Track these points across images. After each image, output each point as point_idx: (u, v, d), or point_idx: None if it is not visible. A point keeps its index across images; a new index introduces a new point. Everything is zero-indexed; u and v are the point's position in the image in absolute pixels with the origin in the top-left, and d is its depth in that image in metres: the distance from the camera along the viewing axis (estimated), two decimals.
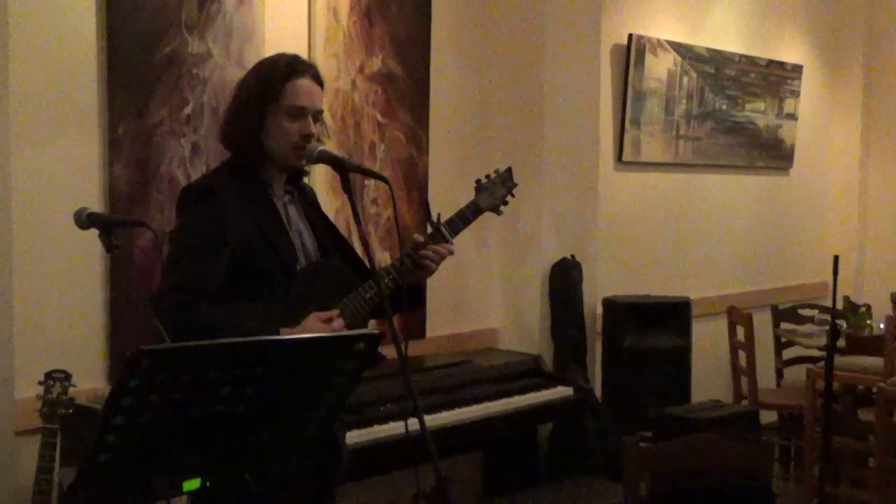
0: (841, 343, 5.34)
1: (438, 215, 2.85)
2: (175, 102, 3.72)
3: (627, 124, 5.71)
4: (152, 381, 1.87)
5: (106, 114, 3.54)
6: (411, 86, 4.58)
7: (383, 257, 4.32)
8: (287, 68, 2.68)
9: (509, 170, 3.07)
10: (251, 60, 3.81)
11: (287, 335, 2.43)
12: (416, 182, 4.60)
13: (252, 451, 2.13)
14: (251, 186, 2.70)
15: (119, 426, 1.90)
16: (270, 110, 2.66)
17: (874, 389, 5.08)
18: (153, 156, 3.66)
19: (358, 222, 2.57)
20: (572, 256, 5.03)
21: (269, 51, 3.72)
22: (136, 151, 3.61)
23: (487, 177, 3.02)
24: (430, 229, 2.83)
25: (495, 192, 3.00)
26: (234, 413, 2.04)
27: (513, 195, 3.05)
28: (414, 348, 4.48)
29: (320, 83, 2.74)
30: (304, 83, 2.68)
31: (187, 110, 3.75)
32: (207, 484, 2.23)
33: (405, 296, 2.74)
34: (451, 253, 2.83)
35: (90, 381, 3.48)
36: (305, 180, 2.88)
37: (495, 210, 3.01)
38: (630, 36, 5.64)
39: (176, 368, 1.89)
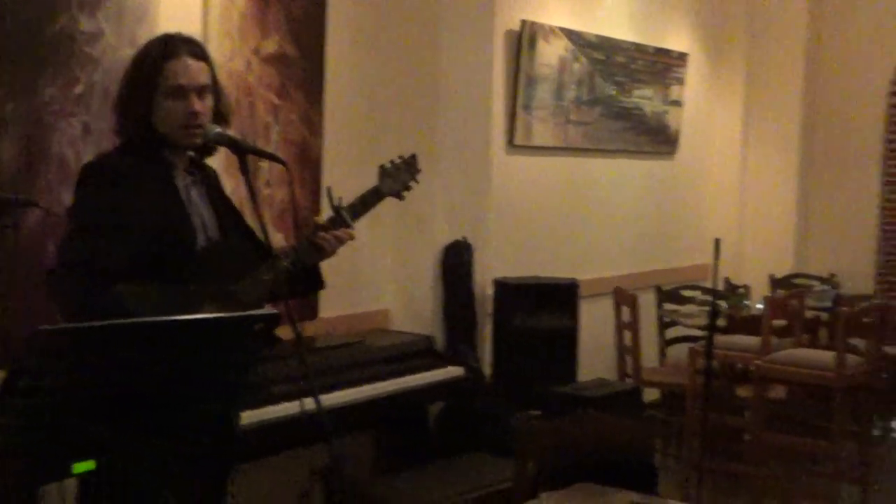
0: (721, 322, 5.55)
1: (340, 199, 2.88)
2: (65, 81, 3.67)
3: (519, 109, 5.81)
4: (51, 361, 1.89)
5: None
6: (306, 68, 4.59)
7: (277, 239, 4.33)
8: (160, 50, 2.68)
9: (414, 156, 3.09)
10: (144, 40, 3.80)
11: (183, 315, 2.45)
12: (309, 164, 4.62)
13: (152, 430, 2.16)
14: (152, 166, 2.70)
15: (15, 405, 1.91)
16: (154, 94, 2.67)
17: (751, 367, 5.31)
18: (42, 135, 3.61)
19: (255, 204, 2.60)
20: (464, 238, 5.11)
21: (163, 30, 3.69)
22: (25, 130, 3.56)
23: (392, 162, 3.05)
24: (331, 213, 2.86)
25: (398, 177, 3.02)
26: (134, 391, 2.06)
27: (416, 181, 3.08)
28: (306, 329, 4.51)
29: (202, 58, 2.72)
30: (182, 62, 2.67)
31: (78, 89, 3.71)
32: (100, 465, 2.25)
33: (303, 278, 2.79)
34: (351, 238, 2.87)
35: None
36: (209, 161, 2.88)
37: (397, 195, 3.03)
38: (523, 22, 5.74)
39: (76, 348, 1.91)
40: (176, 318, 2.16)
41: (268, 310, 2.34)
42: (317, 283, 2.97)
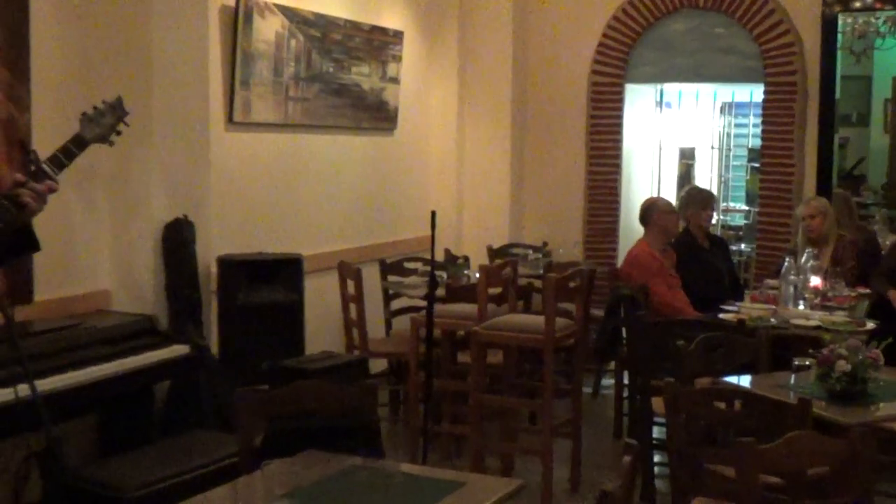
0: (441, 293, 5.76)
1: (34, 152, 2.77)
2: None
3: (237, 85, 5.79)
4: None
5: None
6: (9, 40, 4.39)
7: None
8: None
9: (119, 99, 3.00)
10: None
11: None
12: (17, 141, 4.43)
13: None
14: None
15: None
16: None
17: (470, 334, 5.53)
18: None
19: None
20: (185, 216, 5.06)
21: None
22: None
23: (94, 107, 2.95)
24: (31, 168, 2.76)
25: (102, 121, 2.93)
26: None
27: (126, 124, 2.99)
28: (21, 313, 4.35)
29: None
30: None
31: None
32: None
33: (13, 241, 2.69)
34: (52, 190, 2.76)
35: None
36: None
37: (104, 140, 2.93)
38: None
39: None
40: None
41: None
42: (30, 244, 2.86)
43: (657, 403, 4.66)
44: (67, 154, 2.83)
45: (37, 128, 4.53)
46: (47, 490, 2.32)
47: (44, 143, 4.52)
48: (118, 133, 2.97)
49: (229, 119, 5.80)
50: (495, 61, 7.96)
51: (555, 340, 5.03)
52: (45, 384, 3.73)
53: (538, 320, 5.18)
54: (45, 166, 2.76)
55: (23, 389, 2.53)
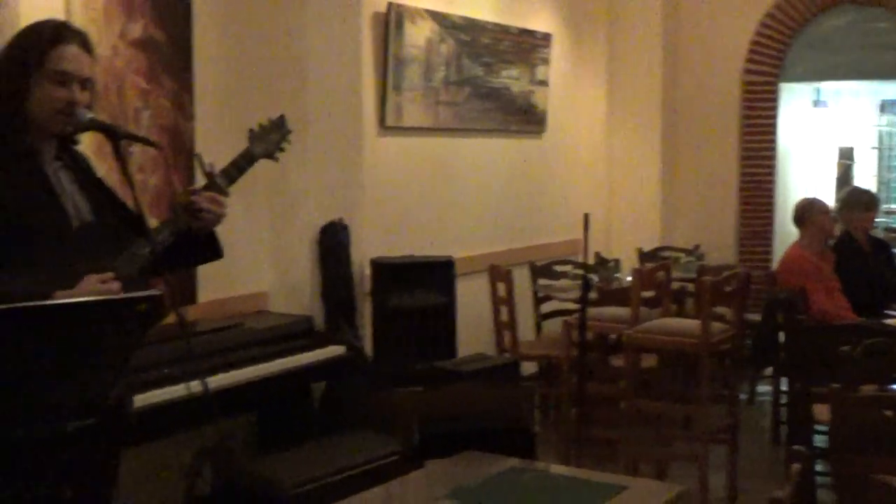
0: (593, 295, 5.71)
1: (211, 164, 2.87)
2: None
3: (389, 90, 5.86)
4: None
5: None
6: (174, 52, 4.55)
7: (152, 223, 4.29)
8: (53, 33, 2.65)
9: (282, 117, 3.09)
10: (5, 24, 3.73)
11: (62, 298, 2.43)
12: (182, 149, 4.59)
13: (36, 411, 2.15)
14: (16, 152, 2.66)
15: None
16: (35, 75, 2.63)
17: (622, 337, 5.48)
18: None
19: (131, 186, 2.59)
20: (340, 219, 5.14)
21: (26, 15, 3.62)
22: None
23: (260, 125, 3.05)
24: (204, 181, 2.85)
25: (268, 138, 3.02)
26: (16, 373, 2.05)
27: (288, 142, 3.09)
28: (185, 313, 4.49)
29: (89, 51, 2.71)
30: (71, 50, 2.65)
31: None
32: None
33: (192, 248, 2.78)
34: (222, 202, 2.85)
35: None
36: (79, 148, 2.85)
37: (270, 156, 3.03)
38: (389, 4, 5.78)
39: None
40: (59, 302, 2.14)
41: (150, 291, 2.33)
42: (213, 251, 2.96)
43: (818, 410, 4.52)
44: (238, 168, 2.92)
45: (199, 135, 4.68)
46: (216, 486, 2.37)
47: (206, 151, 4.67)
48: (282, 150, 3.06)
49: (381, 124, 5.87)
50: (645, 62, 7.87)
51: (710, 345, 4.93)
52: (210, 382, 3.83)
53: (693, 324, 5.09)
54: (217, 180, 2.85)
55: (194, 386, 2.60)
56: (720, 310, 5.53)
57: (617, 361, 5.89)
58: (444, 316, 5.47)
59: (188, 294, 4.59)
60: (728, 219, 7.89)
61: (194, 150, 4.64)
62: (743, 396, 6.53)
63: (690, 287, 6.44)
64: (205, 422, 2.50)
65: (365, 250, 5.40)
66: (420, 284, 5.44)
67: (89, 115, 2.67)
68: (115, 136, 2.63)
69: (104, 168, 4.02)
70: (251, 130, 3.01)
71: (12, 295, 2.41)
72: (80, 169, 2.81)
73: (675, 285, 6.35)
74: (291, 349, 4.51)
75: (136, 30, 4.38)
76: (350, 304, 5.16)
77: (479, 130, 6.73)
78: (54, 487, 2.16)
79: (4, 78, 2.63)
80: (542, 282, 6.61)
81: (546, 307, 6.66)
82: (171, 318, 2.55)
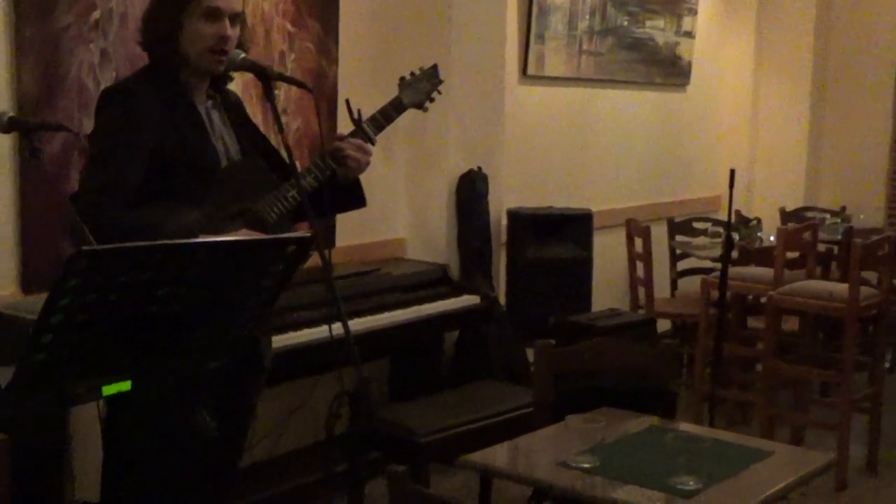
0: (734, 254, 5.56)
1: (359, 111, 2.86)
2: (83, 6, 3.64)
3: (532, 39, 5.77)
4: (90, 282, 1.90)
5: (12, 15, 3.46)
6: None
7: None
8: None
9: (435, 66, 3.06)
10: None
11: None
12: (325, 93, 4.60)
13: (180, 351, 2.18)
14: (171, 90, 2.70)
15: (56, 325, 1.93)
16: (187, 12, 2.66)
17: (763, 299, 5.33)
18: (61, 61, 3.60)
19: (280, 129, 2.60)
20: (479, 168, 5.11)
21: None
22: (44, 56, 3.54)
23: (412, 73, 3.03)
24: (350, 127, 2.85)
25: (419, 87, 3.00)
26: (165, 313, 2.08)
27: (439, 92, 3.06)
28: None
29: None
30: None
31: (95, 15, 3.68)
32: (133, 386, 2.28)
33: (335, 195, 2.79)
34: (369, 150, 2.85)
35: (3, 287, 3.46)
36: (231, 86, 2.88)
37: (419, 106, 3.02)
38: None
39: (113, 269, 1.92)
40: (211, 241, 2.16)
41: (301, 232, 2.35)
42: (357, 199, 2.97)
43: None
44: (387, 117, 2.91)
45: (342, 78, 4.69)
46: (354, 429, 2.38)
47: (349, 96, 4.67)
48: (432, 100, 3.03)
49: (523, 72, 5.79)
50: (796, 14, 7.57)
51: (858, 310, 4.75)
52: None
53: (840, 288, 4.91)
54: (365, 127, 2.84)
55: (334, 329, 2.61)
56: (866, 274, 5.33)
57: (755, 323, 5.74)
58: (581, 269, 5.41)
59: (327, 237, 4.62)
60: (877, 180, 7.58)
61: (337, 94, 4.66)
62: (887, 365, 6.30)
63: (835, 250, 6.22)
64: (342, 365, 2.50)
65: (502, 200, 5.36)
66: (557, 236, 5.39)
67: (242, 54, 2.69)
68: (267, 77, 2.64)
69: (249, 109, 4.08)
70: (402, 78, 2.99)
71: (163, 231, 2.46)
72: (232, 108, 2.84)
73: (820, 247, 6.14)
74: (426, 297, 4.51)
75: None
76: (486, 254, 5.13)
77: (622, 82, 6.59)
78: (201, 420, 2.20)
79: (160, 16, 2.66)
80: (679, 238, 6.47)
81: (682, 265, 6.52)
82: (309, 262, 2.55)
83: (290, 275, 2.24)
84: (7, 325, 3.14)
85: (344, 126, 4.58)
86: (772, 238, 5.76)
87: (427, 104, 3.04)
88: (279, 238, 2.30)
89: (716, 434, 2.93)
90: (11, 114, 2.43)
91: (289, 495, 4.06)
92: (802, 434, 5.25)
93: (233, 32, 2.69)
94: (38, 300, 1.95)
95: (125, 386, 2.47)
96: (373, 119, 2.90)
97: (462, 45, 5.01)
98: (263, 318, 2.44)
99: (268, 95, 2.62)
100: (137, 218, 2.55)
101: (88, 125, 3.58)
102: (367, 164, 2.86)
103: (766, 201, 7.46)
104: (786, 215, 7.02)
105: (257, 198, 2.72)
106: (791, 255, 5.54)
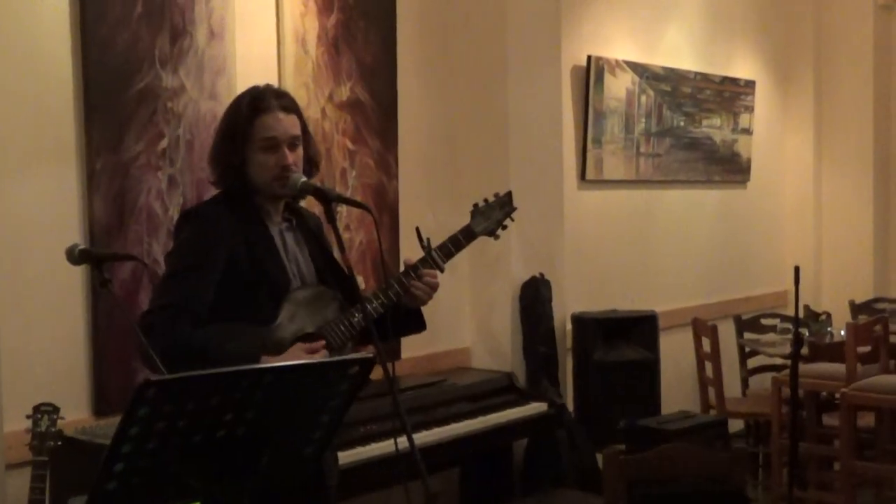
0: (804, 351, 5.48)
1: (428, 240, 2.89)
2: (151, 136, 3.78)
3: (589, 143, 5.83)
4: (159, 410, 1.93)
5: (84, 148, 3.59)
6: (379, 112, 4.66)
7: (358, 282, 4.38)
8: (250, 108, 2.76)
9: (509, 193, 3.06)
10: (224, 93, 3.92)
11: (268, 362, 2.51)
12: (386, 207, 4.68)
13: (250, 474, 2.20)
14: (246, 212, 2.79)
15: (127, 454, 1.96)
16: (247, 146, 2.75)
17: (837, 395, 5.23)
18: (130, 189, 3.72)
19: (342, 249, 2.65)
20: (541, 275, 5.12)
21: (241, 83, 3.79)
22: (114, 185, 3.67)
23: (486, 200, 3.05)
24: (423, 255, 2.88)
25: (491, 215, 3.01)
26: (234, 437, 2.11)
27: (511, 219, 3.06)
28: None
29: (292, 110, 2.80)
30: (272, 116, 2.75)
31: (163, 144, 3.81)
32: None
33: (398, 320, 2.83)
34: (434, 285, 2.88)
35: (75, 413, 3.51)
36: (311, 208, 2.94)
37: (491, 234, 3.03)
38: (589, 57, 5.77)
39: (181, 397, 1.96)
40: (275, 366, 2.20)
41: (363, 353, 2.37)
42: (418, 323, 3.00)
43: None
44: (457, 245, 2.93)
45: (403, 193, 4.76)
46: None
47: (410, 209, 4.77)
48: (504, 227, 3.03)
49: (582, 177, 5.84)
50: (855, 104, 7.57)
51: None
52: (415, 439, 3.86)
53: None
54: (435, 255, 2.87)
55: (400, 443, 2.61)
56: None
57: (830, 420, 5.62)
58: (648, 371, 5.36)
59: (393, 350, 4.65)
60: None
61: (398, 207, 4.73)
62: None
63: None
64: (410, 479, 2.50)
65: (566, 305, 5.35)
66: (623, 339, 5.36)
67: (302, 179, 2.75)
68: (327, 199, 2.70)
69: None
70: (475, 206, 3.00)
71: (226, 352, 2.51)
72: (306, 230, 2.90)
73: (893, 339, 6.02)
74: (494, 406, 4.50)
75: (344, 92, 4.51)
76: (552, 360, 5.11)
77: (682, 181, 6.61)
78: None
79: (225, 153, 2.76)
80: (748, 336, 6.39)
81: (752, 362, 6.43)
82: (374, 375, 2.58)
83: (354, 394, 2.26)
84: (80, 451, 3.19)
85: (405, 238, 4.67)
86: (842, 332, 5.67)
87: (499, 232, 3.04)
88: (342, 360, 2.32)
89: None
90: (82, 246, 2.51)
91: None
92: None
93: (294, 156, 2.77)
94: (110, 424, 1.99)
95: None
96: (442, 247, 2.92)
97: (521, 153, 5.08)
98: (334, 436, 2.45)
99: (328, 217, 2.67)
100: (202, 338, 2.60)
101: (158, 249, 3.70)
102: (429, 298, 2.89)
103: (835, 294, 7.36)
104: (856, 308, 6.91)
105: (324, 321, 2.77)
106: (863, 349, 5.44)
